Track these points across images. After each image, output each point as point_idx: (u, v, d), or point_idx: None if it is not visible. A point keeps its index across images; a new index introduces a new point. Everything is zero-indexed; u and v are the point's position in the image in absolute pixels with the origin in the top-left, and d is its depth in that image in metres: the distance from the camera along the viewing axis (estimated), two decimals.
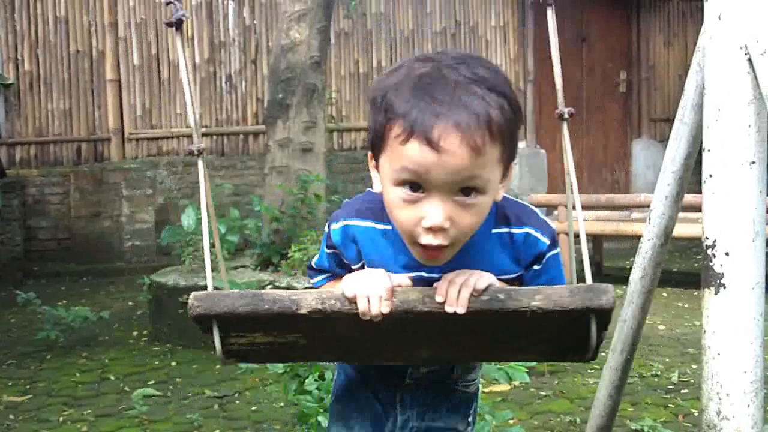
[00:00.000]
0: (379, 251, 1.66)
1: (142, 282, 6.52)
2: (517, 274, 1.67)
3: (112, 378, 5.20)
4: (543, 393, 4.66)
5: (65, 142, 9.62)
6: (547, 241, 1.66)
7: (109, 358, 5.68)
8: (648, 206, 7.39)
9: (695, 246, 9.39)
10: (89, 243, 9.37)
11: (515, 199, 1.71)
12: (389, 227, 1.63)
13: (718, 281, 2.06)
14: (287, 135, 6.42)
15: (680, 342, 5.71)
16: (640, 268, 2.70)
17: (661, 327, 6.10)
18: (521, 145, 10.88)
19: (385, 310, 1.49)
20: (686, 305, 6.91)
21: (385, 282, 1.52)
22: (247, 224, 6.53)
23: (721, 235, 2.05)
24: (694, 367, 5.06)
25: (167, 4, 1.62)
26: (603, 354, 5.21)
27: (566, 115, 1.69)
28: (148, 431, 4.25)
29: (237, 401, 4.68)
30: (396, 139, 1.42)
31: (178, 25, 1.62)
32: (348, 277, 1.59)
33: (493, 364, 3.37)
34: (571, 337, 1.57)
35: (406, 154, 1.41)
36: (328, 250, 1.77)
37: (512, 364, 3.43)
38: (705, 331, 2.11)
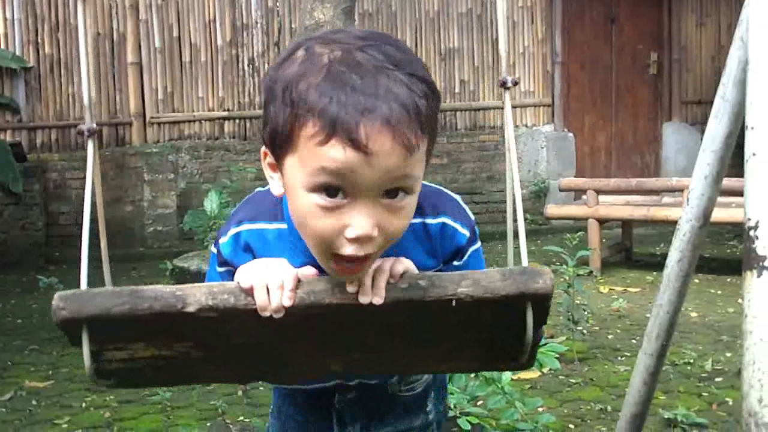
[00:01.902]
0: (276, 254, 1.40)
1: (164, 267, 6.49)
2: (434, 270, 1.42)
3: None
4: (572, 380, 4.56)
5: None
6: (466, 233, 1.48)
7: None
8: (680, 190, 7.32)
9: (727, 231, 9.26)
10: (111, 228, 9.24)
11: (431, 185, 1.50)
12: (284, 226, 1.44)
13: (760, 264, 1.96)
14: None
15: (713, 329, 5.59)
16: (677, 250, 2.60)
17: (694, 314, 5.98)
18: (548, 128, 10.77)
19: (287, 302, 1.26)
20: (719, 292, 6.79)
21: (286, 270, 1.29)
22: None
23: (764, 215, 1.95)
24: (728, 354, 4.95)
25: None
26: (634, 341, 5.13)
27: (509, 84, 1.46)
28: (171, 417, 4.21)
29: (260, 388, 4.62)
30: (311, 139, 1.19)
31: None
32: (243, 266, 1.34)
33: None
34: (504, 333, 1.34)
35: (325, 155, 1.18)
36: (221, 269, 1.50)
37: (543, 350, 3.35)
38: (746, 316, 2.02)
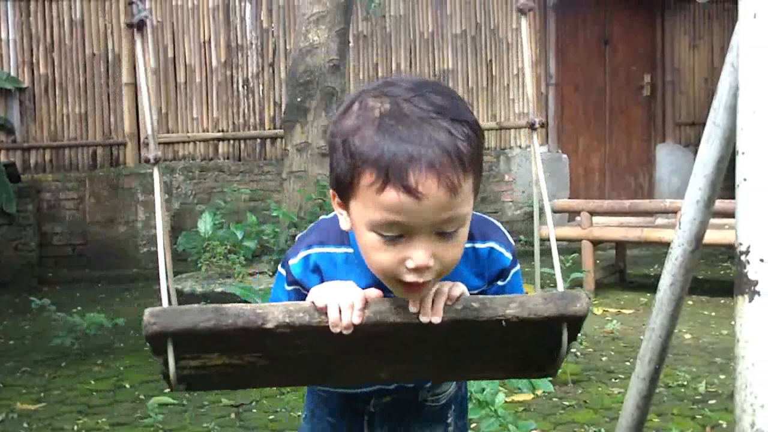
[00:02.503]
0: (343, 275, 1.57)
1: (158, 288, 6.46)
2: (479, 290, 1.63)
3: (128, 386, 5.14)
4: (566, 403, 4.55)
5: (80, 146, 9.59)
6: (510, 256, 1.66)
7: (125, 365, 5.61)
8: (673, 212, 7.33)
9: (721, 253, 9.26)
10: (104, 249, 9.34)
11: (479, 214, 1.65)
12: (351, 251, 1.60)
13: (752, 288, 1.97)
14: (306, 139, 6.37)
15: (707, 351, 5.58)
16: (669, 274, 2.60)
17: (688, 336, 5.98)
18: (542, 149, 10.79)
19: (357, 320, 1.42)
20: (713, 313, 6.78)
21: (355, 292, 1.46)
22: (264, 230, 6.48)
23: (755, 240, 1.96)
24: (722, 377, 4.95)
25: (129, 4, 1.55)
26: (628, 363, 5.13)
27: (537, 126, 1.67)
28: None
29: (254, 410, 4.61)
30: (369, 187, 1.36)
31: (139, 26, 1.56)
32: (316, 288, 1.50)
33: None
34: (540, 348, 1.55)
35: (383, 202, 1.35)
36: (290, 287, 1.65)
37: None
38: (738, 340, 2.02)
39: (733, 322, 5.81)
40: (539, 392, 4.39)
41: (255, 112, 9.92)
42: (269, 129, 9.90)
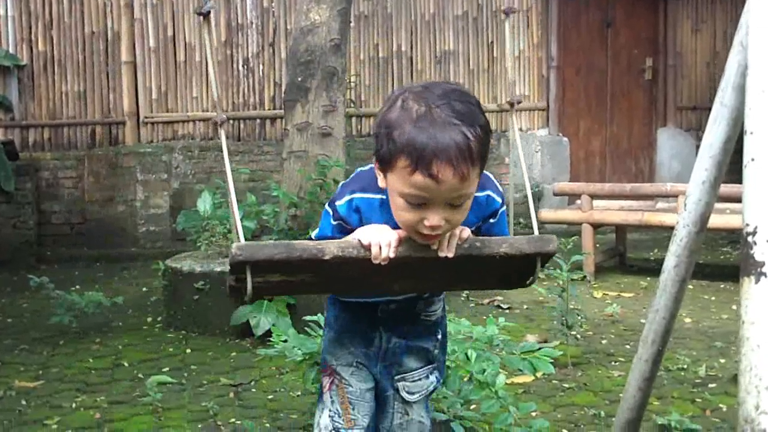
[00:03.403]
0: (377, 217, 2.10)
1: (156, 267, 6.45)
2: (475, 225, 2.17)
3: (126, 364, 5.14)
4: (566, 385, 4.55)
5: (79, 125, 9.56)
6: (499, 200, 2.21)
7: (123, 344, 5.61)
8: (674, 196, 7.31)
9: (722, 238, 9.26)
10: (103, 227, 9.33)
11: None
12: (384, 197, 2.08)
13: (758, 269, 1.96)
14: (306, 119, 6.33)
15: (707, 335, 5.58)
16: (674, 256, 2.59)
17: (688, 320, 5.97)
18: (543, 132, 10.78)
19: (393, 254, 1.99)
20: (713, 298, 6.78)
21: (392, 233, 2.01)
22: (264, 210, 6.44)
23: (762, 221, 1.94)
24: (722, 360, 4.94)
25: None
26: (627, 347, 5.12)
27: (515, 104, 2.43)
28: (162, 419, 4.18)
29: (253, 390, 4.60)
30: (404, 169, 1.89)
31: (206, 15, 2.15)
32: (361, 229, 2.06)
33: (518, 355, 3.40)
34: (517, 273, 2.21)
35: (411, 181, 1.89)
36: (335, 222, 2.17)
37: (538, 354, 3.35)
38: (743, 322, 2.00)
39: (733, 307, 5.84)
40: (539, 374, 4.39)
41: (255, 92, 9.88)
42: (269, 109, 9.87)
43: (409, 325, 2.41)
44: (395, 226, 2.04)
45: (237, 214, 2.09)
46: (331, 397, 2.43)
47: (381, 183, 2.03)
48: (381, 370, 2.45)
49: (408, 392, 2.47)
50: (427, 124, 1.88)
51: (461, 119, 1.89)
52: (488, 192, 2.17)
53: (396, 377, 2.46)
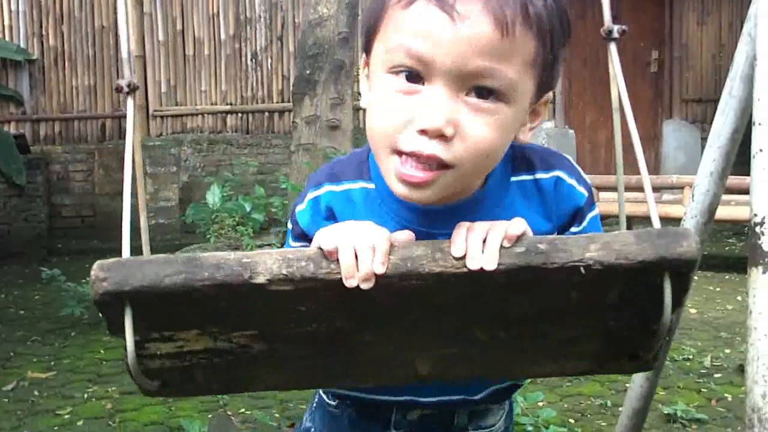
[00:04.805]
0: (363, 217, 1.15)
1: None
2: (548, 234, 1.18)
3: None
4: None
5: (90, 118, 9.60)
6: (585, 192, 1.28)
7: None
8: (680, 188, 7.29)
9: (726, 229, 9.27)
10: (113, 220, 9.35)
11: (540, 146, 1.33)
12: (372, 186, 1.24)
13: (766, 260, 1.98)
14: (314, 112, 6.36)
15: (712, 326, 5.60)
16: None
17: (693, 310, 5.99)
18: (549, 125, 10.78)
19: (380, 268, 0.99)
20: (718, 289, 6.81)
21: (380, 231, 1.05)
22: (272, 202, 6.48)
23: None
24: (727, 351, 4.97)
25: None
26: None
27: (615, 34, 1.28)
28: (172, 409, 4.21)
29: None
30: (396, 5, 1.07)
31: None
32: (324, 228, 1.08)
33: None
34: (628, 322, 1.09)
35: (407, 19, 1.05)
36: (296, 243, 1.29)
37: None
38: (751, 312, 2.03)
39: (738, 298, 5.84)
40: None
41: (263, 86, 9.90)
42: (277, 102, 9.89)
43: None
44: (395, 230, 1.08)
45: (144, 219, 1.21)
46: None
47: (365, 98, 1.17)
48: None
49: None
50: None
51: None
52: (557, 173, 1.26)
53: None
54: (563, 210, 1.26)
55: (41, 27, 9.45)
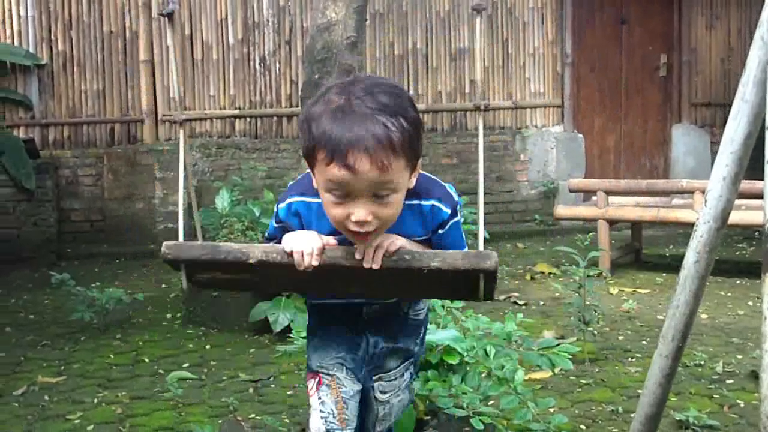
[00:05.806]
0: (316, 219, 2.10)
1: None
2: (425, 237, 2.13)
3: (147, 360, 5.18)
4: (584, 381, 4.56)
5: (98, 123, 9.61)
6: (448, 210, 2.11)
7: (143, 340, 5.66)
8: (690, 192, 7.27)
9: (737, 234, 9.24)
10: (122, 225, 9.39)
11: (427, 175, 2.14)
12: (319, 200, 2.02)
13: None
14: None
15: (724, 331, 5.59)
16: (694, 252, 2.59)
17: (704, 316, 5.97)
18: (558, 129, 10.77)
19: (315, 263, 1.99)
20: (729, 294, 6.78)
21: (316, 241, 2.01)
22: None
23: None
24: (739, 357, 4.95)
25: None
26: (644, 343, 5.13)
27: (482, 108, 2.45)
28: (182, 414, 4.21)
29: (272, 385, 4.63)
30: (322, 161, 1.87)
31: (169, 16, 2.26)
32: (288, 235, 2.08)
33: (536, 351, 3.44)
34: (464, 286, 2.07)
35: (330, 174, 1.86)
36: (277, 224, 2.20)
37: (556, 350, 3.38)
38: (765, 318, 2.02)
39: (750, 303, 5.82)
40: (557, 370, 4.41)
41: (272, 90, 9.91)
42: (286, 107, 9.89)
43: (398, 325, 2.38)
44: (334, 231, 2.02)
45: (197, 215, 2.13)
46: (320, 398, 2.38)
47: (314, 182, 1.99)
48: (365, 374, 2.41)
49: (381, 392, 2.43)
50: (344, 115, 1.84)
51: (382, 110, 1.85)
52: (434, 202, 2.09)
53: (374, 377, 2.42)
54: (434, 222, 2.13)
55: (50, 32, 9.45)
